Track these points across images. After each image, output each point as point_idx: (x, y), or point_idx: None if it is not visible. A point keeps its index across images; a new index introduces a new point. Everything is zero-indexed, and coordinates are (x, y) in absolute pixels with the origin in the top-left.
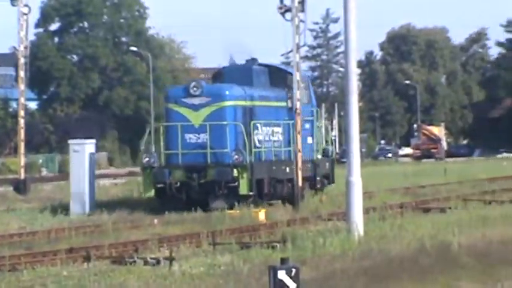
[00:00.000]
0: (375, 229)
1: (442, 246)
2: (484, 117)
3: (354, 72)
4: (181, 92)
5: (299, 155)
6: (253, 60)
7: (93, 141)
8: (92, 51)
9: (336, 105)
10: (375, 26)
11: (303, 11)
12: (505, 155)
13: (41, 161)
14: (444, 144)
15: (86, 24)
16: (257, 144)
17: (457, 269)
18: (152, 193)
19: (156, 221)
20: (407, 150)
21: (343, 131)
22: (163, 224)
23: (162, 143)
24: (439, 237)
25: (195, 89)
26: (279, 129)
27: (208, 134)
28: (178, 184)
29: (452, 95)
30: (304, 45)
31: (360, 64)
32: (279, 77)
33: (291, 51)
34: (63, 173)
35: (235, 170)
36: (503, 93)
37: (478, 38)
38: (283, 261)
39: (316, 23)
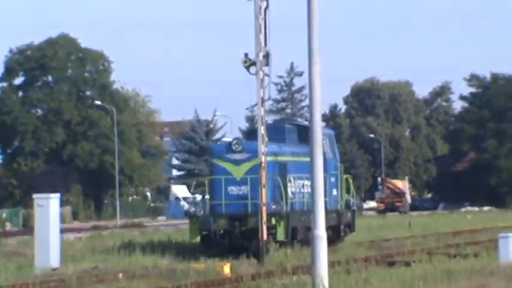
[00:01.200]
0: (340, 283)
1: None
2: (448, 171)
3: (319, 125)
4: (225, 148)
5: (263, 209)
6: (284, 119)
7: (58, 195)
8: (56, 105)
9: None
10: (339, 80)
11: (267, 64)
12: (469, 208)
13: (5, 215)
14: (408, 198)
15: (50, 78)
16: (290, 196)
17: None
18: (198, 239)
19: (121, 275)
20: (371, 204)
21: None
22: (129, 278)
23: (207, 195)
24: None
25: (236, 145)
26: (308, 182)
27: (248, 186)
28: (222, 231)
29: (416, 148)
30: (268, 99)
31: (324, 117)
32: (306, 134)
33: (255, 104)
34: (27, 227)
35: (273, 219)
36: (467, 147)
37: (442, 91)
38: None
39: (281, 77)
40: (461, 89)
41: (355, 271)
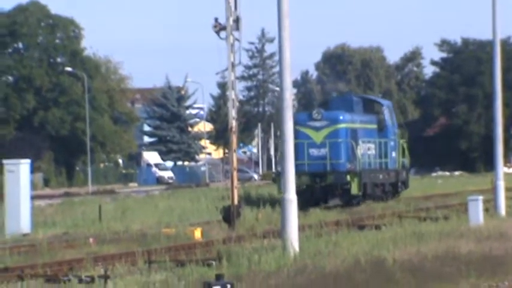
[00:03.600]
0: (310, 246)
1: (377, 262)
2: (419, 136)
3: (289, 90)
4: (307, 117)
5: (234, 173)
6: (350, 92)
7: (28, 161)
8: (27, 72)
9: (272, 124)
10: (310, 46)
11: (237, 29)
12: (440, 173)
13: None
14: None
15: (20, 45)
16: (360, 157)
17: (392, 284)
18: None
19: (91, 240)
20: None
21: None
22: (99, 243)
23: None
24: (374, 253)
25: (316, 114)
26: (373, 146)
27: (327, 148)
28: (305, 186)
29: None
30: (239, 64)
31: (296, 84)
32: (368, 105)
33: (225, 69)
34: None
35: (348, 176)
36: (438, 112)
37: (413, 57)
38: (218, 277)
39: (252, 43)
40: (432, 54)
41: (326, 235)
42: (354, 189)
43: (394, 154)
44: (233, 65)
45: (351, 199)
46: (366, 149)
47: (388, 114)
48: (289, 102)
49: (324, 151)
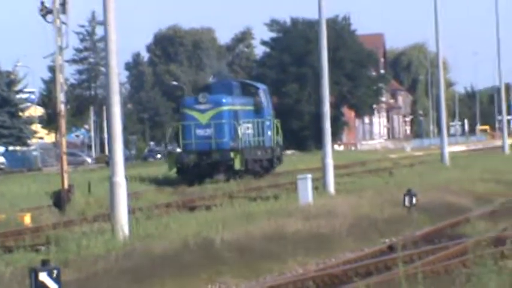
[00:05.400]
0: (140, 229)
1: (205, 242)
2: None
3: (115, 72)
4: (193, 100)
5: (64, 157)
6: (229, 77)
7: None
8: None
9: (104, 107)
10: (141, 28)
11: (64, 12)
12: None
13: None
14: None
15: None
16: (240, 136)
17: (220, 264)
18: (175, 171)
19: None
20: (177, 150)
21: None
22: None
23: (180, 136)
24: (203, 234)
25: (202, 98)
26: (250, 125)
27: (212, 129)
28: (193, 164)
29: None
30: (67, 48)
31: (128, 66)
32: (246, 88)
33: (53, 53)
34: None
35: (231, 153)
36: (270, 91)
37: (244, 37)
38: (44, 263)
39: (83, 26)
40: (262, 34)
41: (156, 217)
42: (237, 165)
43: (269, 133)
44: (61, 49)
45: (234, 174)
46: (245, 129)
47: (263, 97)
48: (116, 87)
49: (209, 131)
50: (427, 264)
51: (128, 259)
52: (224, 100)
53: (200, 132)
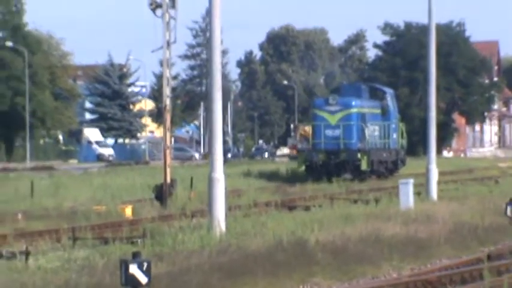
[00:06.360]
0: (237, 226)
1: (299, 242)
2: None
3: (218, 69)
4: (323, 102)
5: (167, 151)
6: (359, 81)
7: None
8: None
9: None
10: (255, 27)
11: (173, 7)
12: None
13: None
14: None
15: None
16: (367, 137)
17: (312, 265)
18: (303, 168)
19: (20, 215)
20: (284, 150)
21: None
22: (27, 219)
23: (310, 136)
24: (298, 234)
25: (332, 100)
26: (377, 128)
27: (341, 129)
28: (321, 162)
29: None
30: (174, 42)
31: (240, 64)
32: (374, 92)
33: (161, 47)
34: None
35: (359, 154)
36: None
37: (356, 39)
38: (135, 255)
39: (196, 22)
40: (375, 37)
41: (255, 215)
42: (364, 165)
43: (395, 136)
44: (168, 44)
45: (360, 174)
46: (372, 131)
47: (390, 101)
48: (219, 83)
49: (338, 132)
50: None
51: (221, 255)
52: (353, 103)
53: (329, 132)
